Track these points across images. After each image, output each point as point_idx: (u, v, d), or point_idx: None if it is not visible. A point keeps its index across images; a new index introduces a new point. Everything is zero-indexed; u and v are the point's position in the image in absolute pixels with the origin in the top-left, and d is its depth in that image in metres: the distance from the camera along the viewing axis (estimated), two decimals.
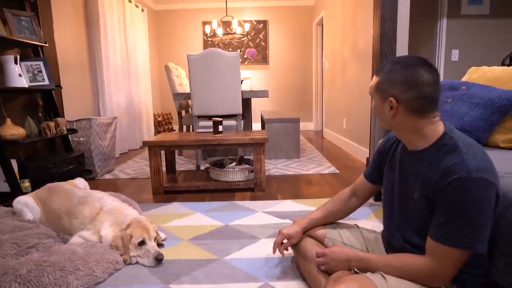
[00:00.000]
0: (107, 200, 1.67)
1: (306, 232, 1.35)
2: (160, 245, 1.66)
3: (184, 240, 1.74)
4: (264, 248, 1.62)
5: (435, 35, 4.11)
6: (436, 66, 4.07)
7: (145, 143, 2.48)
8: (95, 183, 2.93)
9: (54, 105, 2.90)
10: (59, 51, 3.21)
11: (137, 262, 1.50)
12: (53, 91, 2.89)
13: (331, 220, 1.35)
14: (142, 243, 1.50)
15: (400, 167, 1.08)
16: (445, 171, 0.89)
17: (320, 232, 1.33)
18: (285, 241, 1.34)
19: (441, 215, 0.90)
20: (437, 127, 0.97)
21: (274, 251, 1.36)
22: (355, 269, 1.07)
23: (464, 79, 1.96)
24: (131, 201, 2.04)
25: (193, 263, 1.50)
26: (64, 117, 3.07)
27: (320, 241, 1.32)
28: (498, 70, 1.79)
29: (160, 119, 6.06)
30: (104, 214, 1.59)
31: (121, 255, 1.48)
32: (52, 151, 2.94)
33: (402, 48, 2.83)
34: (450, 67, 4.02)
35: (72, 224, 1.62)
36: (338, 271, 1.11)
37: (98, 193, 1.71)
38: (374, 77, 1.03)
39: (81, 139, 3.00)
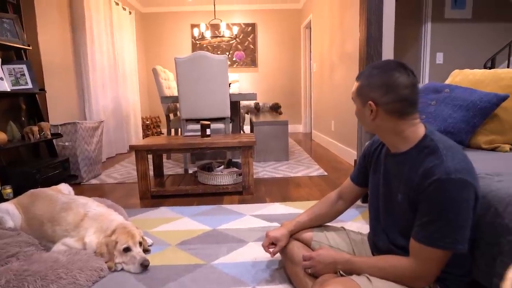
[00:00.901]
0: (92, 206, 1.64)
1: (293, 235, 1.35)
2: (146, 251, 1.64)
3: (171, 245, 1.72)
4: (251, 252, 1.61)
5: (420, 39, 4.18)
6: (422, 68, 4.15)
7: (131, 147, 2.45)
8: (80, 189, 2.88)
9: (38, 109, 2.84)
10: (44, 54, 3.16)
11: (122, 269, 1.48)
12: (36, 95, 2.84)
13: (318, 223, 1.35)
14: (127, 249, 1.48)
15: (384, 170, 1.09)
16: (426, 172, 0.91)
17: (307, 235, 1.33)
18: (272, 248, 1.34)
19: (422, 216, 0.92)
20: (418, 130, 0.99)
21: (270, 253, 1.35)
22: (341, 272, 1.08)
23: (447, 81, 1.99)
24: (117, 207, 2.01)
25: (180, 268, 1.49)
26: (48, 121, 3.01)
27: (307, 244, 1.32)
28: (479, 73, 1.83)
29: (148, 122, 6.00)
30: (89, 221, 1.56)
31: (106, 262, 1.45)
32: (36, 156, 2.89)
33: (388, 51, 2.87)
34: (435, 70, 4.10)
35: (55, 231, 1.58)
36: (324, 274, 1.12)
37: (82, 199, 1.68)
38: (355, 82, 1.05)
39: (66, 143, 2.95)
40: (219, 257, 1.58)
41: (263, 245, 1.33)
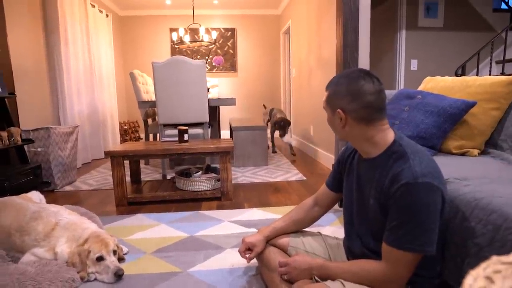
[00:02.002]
0: (63, 214, 1.59)
1: (270, 241, 1.35)
2: (121, 259, 1.59)
3: (147, 253, 1.68)
4: (229, 259, 1.60)
5: (395, 46, 4.31)
6: (397, 75, 4.27)
7: (107, 153, 2.40)
8: (54, 196, 2.78)
9: (7, 114, 2.73)
10: (14, 56, 3.05)
11: (96, 279, 1.43)
12: (6, 99, 2.73)
13: (294, 229, 1.36)
14: (100, 258, 1.43)
15: (357, 175, 1.11)
16: (394, 177, 0.93)
17: (284, 240, 1.33)
18: (248, 254, 1.33)
19: (392, 220, 0.94)
20: (387, 135, 1.01)
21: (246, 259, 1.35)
22: (316, 278, 1.08)
23: (420, 88, 2.06)
24: (91, 214, 1.95)
25: (155, 277, 1.45)
26: (19, 127, 2.90)
27: (284, 249, 1.32)
28: (449, 80, 1.90)
29: (126, 127, 5.88)
30: (60, 230, 1.50)
31: (78, 272, 1.40)
32: (5, 163, 2.77)
33: (364, 57, 2.94)
34: (410, 76, 4.23)
35: (24, 241, 1.52)
36: (299, 280, 1.12)
37: (53, 207, 1.62)
38: (325, 91, 1.07)
39: (39, 149, 2.85)
40: (196, 264, 1.55)
41: (239, 251, 1.33)
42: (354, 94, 0.98)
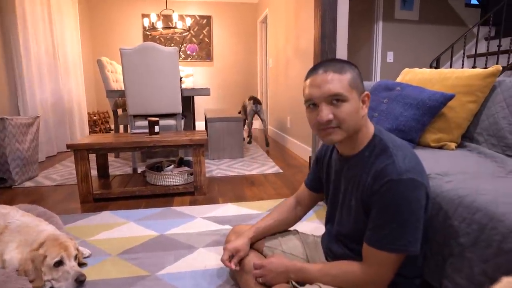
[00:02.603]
0: (15, 215, 1.43)
1: (254, 244, 1.25)
2: (82, 264, 1.46)
3: (112, 256, 1.56)
4: (201, 259, 1.51)
5: (372, 37, 4.30)
6: (373, 66, 4.27)
7: (69, 146, 2.22)
8: (11, 193, 2.57)
9: None
10: None
11: (52, 287, 1.30)
12: None
13: (278, 229, 1.27)
14: (59, 263, 1.30)
15: (336, 174, 1.05)
16: (377, 173, 0.88)
17: (259, 240, 1.26)
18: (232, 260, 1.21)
19: (374, 219, 0.89)
20: (369, 127, 0.96)
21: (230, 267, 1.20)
22: (293, 282, 1.01)
23: (398, 79, 2.02)
24: (49, 214, 1.79)
25: (120, 282, 1.34)
26: None
27: (259, 250, 1.25)
28: (427, 72, 1.87)
29: (96, 118, 5.59)
30: (10, 233, 1.35)
31: (31, 281, 1.26)
32: None
33: (342, 48, 2.88)
34: (386, 68, 4.24)
35: None
36: (276, 285, 1.05)
37: (2, 208, 1.46)
38: (339, 76, 0.88)
39: None
40: (165, 266, 1.45)
41: (222, 260, 1.19)
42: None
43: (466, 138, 1.66)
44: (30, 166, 2.92)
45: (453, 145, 1.61)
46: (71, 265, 1.31)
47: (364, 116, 0.93)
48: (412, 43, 4.30)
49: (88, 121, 5.28)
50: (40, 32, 3.81)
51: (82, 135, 4.83)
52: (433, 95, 1.61)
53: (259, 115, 4.35)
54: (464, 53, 3.83)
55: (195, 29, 6.08)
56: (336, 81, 0.87)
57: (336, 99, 0.87)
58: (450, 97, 1.59)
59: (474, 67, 3.84)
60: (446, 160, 1.32)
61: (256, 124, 6.57)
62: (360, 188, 0.93)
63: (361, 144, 0.95)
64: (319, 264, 1.06)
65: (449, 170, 1.12)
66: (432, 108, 1.60)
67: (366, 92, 0.93)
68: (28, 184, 2.80)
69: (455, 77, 1.69)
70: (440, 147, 1.62)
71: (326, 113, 0.88)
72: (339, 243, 1.08)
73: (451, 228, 0.93)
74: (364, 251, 0.92)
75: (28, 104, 3.54)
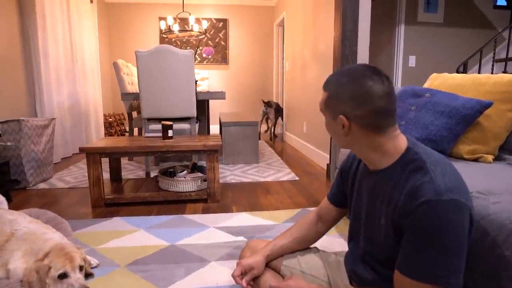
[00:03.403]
0: (22, 222, 1.37)
1: (269, 262, 1.15)
2: (89, 274, 1.39)
3: (120, 267, 1.48)
4: (213, 274, 1.41)
5: (393, 41, 4.15)
6: (394, 71, 4.11)
7: (82, 150, 2.17)
8: (25, 195, 2.55)
9: None
10: None
11: None
12: None
13: (297, 248, 1.16)
14: (63, 275, 1.23)
15: (364, 190, 0.94)
16: (412, 192, 0.76)
17: (277, 259, 1.15)
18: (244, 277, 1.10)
19: (408, 244, 0.77)
20: (399, 142, 0.84)
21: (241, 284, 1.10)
22: None
23: (426, 85, 1.89)
24: (59, 220, 1.73)
25: None
26: None
27: (276, 269, 1.14)
28: (458, 77, 1.73)
29: (111, 119, 5.62)
30: (16, 241, 1.29)
31: None
32: None
33: (363, 51, 2.75)
34: (408, 73, 4.08)
35: None
36: None
37: (9, 214, 1.40)
38: (323, 91, 0.89)
39: (8, 143, 2.60)
40: (175, 281, 1.36)
41: (233, 275, 1.10)
42: (360, 98, 0.80)
43: (505, 151, 1.52)
44: (44, 168, 2.90)
45: (490, 157, 1.47)
46: (76, 277, 1.24)
47: (348, 138, 0.86)
48: (435, 47, 4.12)
49: (104, 122, 5.30)
50: (59, 35, 3.83)
51: (98, 137, 4.84)
52: (468, 102, 1.48)
53: (268, 116, 5.00)
54: (494, 57, 3.64)
55: (211, 32, 6.04)
56: (321, 96, 0.90)
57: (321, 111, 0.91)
58: (488, 105, 1.45)
59: (505, 72, 3.64)
60: (485, 175, 1.19)
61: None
62: (391, 207, 0.82)
63: (390, 159, 0.84)
64: None
65: (493, 188, 1.00)
66: (466, 116, 1.46)
67: (339, 116, 0.83)
68: (42, 186, 2.78)
69: (492, 82, 1.55)
70: (475, 160, 1.49)
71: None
72: (365, 265, 0.96)
73: (501, 258, 0.81)
74: (396, 280, 0.81)
75: (46, 106, 3.55)
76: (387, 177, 0.84)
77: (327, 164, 3.11)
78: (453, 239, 0.73)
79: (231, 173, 3.17)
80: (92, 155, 2.17)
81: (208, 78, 5.64)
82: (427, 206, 0.73)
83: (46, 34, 3.54)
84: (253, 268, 1.09)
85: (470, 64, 4.00)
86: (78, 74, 4.23)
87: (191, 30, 4.26)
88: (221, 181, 2.90)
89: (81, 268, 1.29)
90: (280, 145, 4.88)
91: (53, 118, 3.02)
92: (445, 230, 0.72)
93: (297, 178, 3.00)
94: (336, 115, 0.84)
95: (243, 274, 1.10)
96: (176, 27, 4.40)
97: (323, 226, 1.16)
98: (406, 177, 0.80)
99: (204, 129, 3.80)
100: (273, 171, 3.25)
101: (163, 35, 4.63)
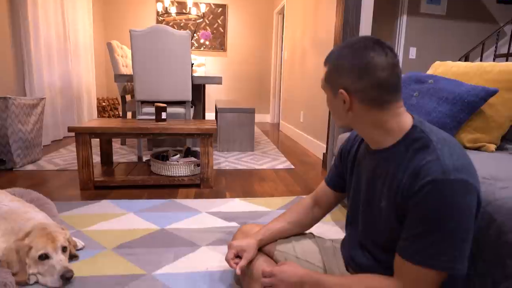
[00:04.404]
0: (3, 200, 1.31)
1: (263, 247, 1.10)
2: (74, 257, 1.33)
3: (106, 249, 1.42)
4: (203, 259, 1.36)
5: (395, 32, 4.07)
6: None
7: (71, 129, 2.09)
8: (11, 176, 2.47)
9: None
10: None
11: (37, 282, 1.17)
12: None
13: (291, 233, 1.11)
14: (44, 256, 1.17)
15: (364, 171, 0.89)
16: (417, 171, 0.71)
17: (270, 243, 1.10)
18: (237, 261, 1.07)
19: (412, 227, 0.72)
20: (403, 120, 0.79)
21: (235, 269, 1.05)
22: None
23: (428, 73, 1.83)
24: (44, 200, 1.66)
25: (112, 281, 1.20)
26: None
27: (269, 254, 1.09)
28: (463, 65, 1.68)
29: (105, 104, 5.50)
30: None
31: (13, 275, 1.13)
32: None
33: None
34: (408, 65, 4.02)
35: None
36: None
37: None
38: (323, 66, 0.85)
39: None
40: (163, 265, 1.31)
41: (226, 259, 1.05)
42: (361, 70, 0.75)
43: (507, 140, 1.48)
44: (33, 149, 2.81)
45: (492, 146, 1.42)
46: (58, 259, 1.18)
47: (349, 115, 0.80)
48: (437, 39, 4.06)
49: (97, 106, 5.19)
50: (50, 12, 3.70)
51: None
52: (473, 89, 1.42)
53: None
54: (495, 52, 3.59)
55: (210, 18, 5.91)
56: (323, 70, 0.86)
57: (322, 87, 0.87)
58: (493, 92, 1.40)
59: None
60: (489, 163, 1.14)
61: (267, 117, 6.41)
62: (394, 188, 0.77)
63: (394, 137, 0.79)
64: (340, 276, 0.90)
65: (499, 175, 0.95)
66: (470, 104, 1.41)
67: (339, 90, 0.78)
68: (29, 167, 2.70)
69: (497, 70, 1.50)
70: (477, 149, 1.44)
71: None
72: (364, 251, 0.91)
73: (507, 245, 0.76)
74: (396, 265, 0.76)
75: (35, 86, 3.43)
76: (390, 156, 0.79)
77: (324, 154, 3.06)
78: (460, 223, 0.68)
79: (225, 160, 3.11)
80: (81, 135, 2.09)
81: (205, 64, 5.53)
82: (433, 186, 0.68)
83: (36, 11, 3.41)
84: (244, 250, 1.04)
85: (471, 58, 3.95)
86: (70, 54, 4.10)
87: (189, 13, 4.14)
88: (215, 167, 2.84)
89: (64, 249, 1.23)
90: (276, 134, 4.82)
91: (43, 98, 2.92)
92: (452, 212, 0.67)
93: (292, 167, 2.95)
94: (337, 89, 0.79)
95: (236, 257, 1.05)
96: (173, 10, 4.28)
97: (319, 210, 1.11)
98: (411, 156, 0.75)
99: (200, 116, 3.72)
100: (269, 159, 3.19)
101: (160, 17, 4.50)
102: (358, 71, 0.75)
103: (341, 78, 0.78)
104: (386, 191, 0.79)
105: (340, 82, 0.78)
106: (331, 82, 0.81)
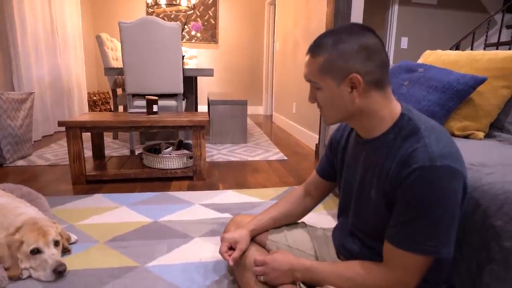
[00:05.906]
0: None
1: (255, 237, 1.11)
2: (66, 251, 1.33)
3: (99, 243, 1.42)
4: (197, 251, 1.37)
5: (386, 22, 4.07)
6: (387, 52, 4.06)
7: (61, 124, 2.07)
8: (1, 172, 2.44)
9: None
10: None
11: (30, 276, 1.17)
12: None
13: (283, 223, 1.12)
14: (36, 251, 1.17)
15: (355, 161, 0.89)
16: (404, 159, 0.72)
17: (262, 233, 1.11)
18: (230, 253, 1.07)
19: (400, 214, 0.74)
20: (394, 107, 0.80)
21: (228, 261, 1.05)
22: (301, 284, 0.87)
23: (419, 62, 1.84)
24: (36, 195, 1.65)
25: (105, 273, 1.21)
26: None
27: (261, 243, 1.10)
28: (453, 54, 1.69)
29: (96, 98, 5.44)
30: None
31: (5, 269, 1.13)
32: None
33: None
34: (400, 54, 4.03)
35: None
36: (279, 285, 0.91)
37: None
38: (311, 59, 0.79)
39: None
40: (157, 257, 1.31)
41: (220, 252, 1.06)
42: (367, 51, 0.75)
43: (495, 128, 1.49)
44: (23, 145, 2.78)
45: (481, 134, 1.44)
46: (50, 253, 1.18)
47: (357, 102, 0.77)
48: (428, 28, 4.06)
49: (88, 101, 5.13)
50: (37, 5, 3.62)
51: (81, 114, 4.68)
52: (462, 78, 1.44)
53: None
54: (486, 41, 3.61)
55: (201, 9, 5.84)
56: (309, 66, 0.80)
57: (313, 84, 0.81)
58: (482, 81, 1.42)
59: None
60: (478, 150, 1.15)
61: (260, 109, 6.40)
62: (383, 177, 0.78)
63: (382, 126, 0.80)
64: (330, 263, 0.91)
65: (486, 161, 0.96)
66: (460, 92, 1.43)
67: (352, 75, 0.75)
68: (20, 163, 2.67)
69: (487, 59, 1.51)
70: (466, 136, 1.46)
71: (309, 96, 0.84)
72: (354, 238, 0.93)
73: (492, 228, 0.78)
74: (385, 251, 0.78)
75: (24, 80, 3.38)
76: (380, 146, 0.80)
77: (316, 144, 3.07)
78: (446, 208, 0.70)
79: (218, 152, 3.11)
80: (72, 129, 2.07)
81: (197, 56, 5.48)
82: (420, 173, 0.69)
83: (22, 5, 3.34)
84: (237, 242, 1.05)
85: (462, 47, 3.97)
86: (59, 47, 4.04)
87: (179, 5, 4.09)
88: (208, 160, 2.84)
89: (56, 243, 1.23)
90: (269, 126, 4.82)
91: (32, 92, 2.88)
92: (438, 198, 0.69)
93: (285, 158, 2.96)
94: (344, 76, 0.76)
95: (229, 249, 1.06)
96: (163, 1, 4.22)
97: (311, 200, 1.12)
98: (399, 144, 0.76)
99: (192, 108, 3.71)
100: (262, 151, 3.20)
101: (150, 9, 4.44)
102: (366, 52, 0.74)
103: (349, 61, 0.75)
104: (375, 181, 0.80)
105: (349, 66, 0.75)
106: (334, 70, 0.76)
